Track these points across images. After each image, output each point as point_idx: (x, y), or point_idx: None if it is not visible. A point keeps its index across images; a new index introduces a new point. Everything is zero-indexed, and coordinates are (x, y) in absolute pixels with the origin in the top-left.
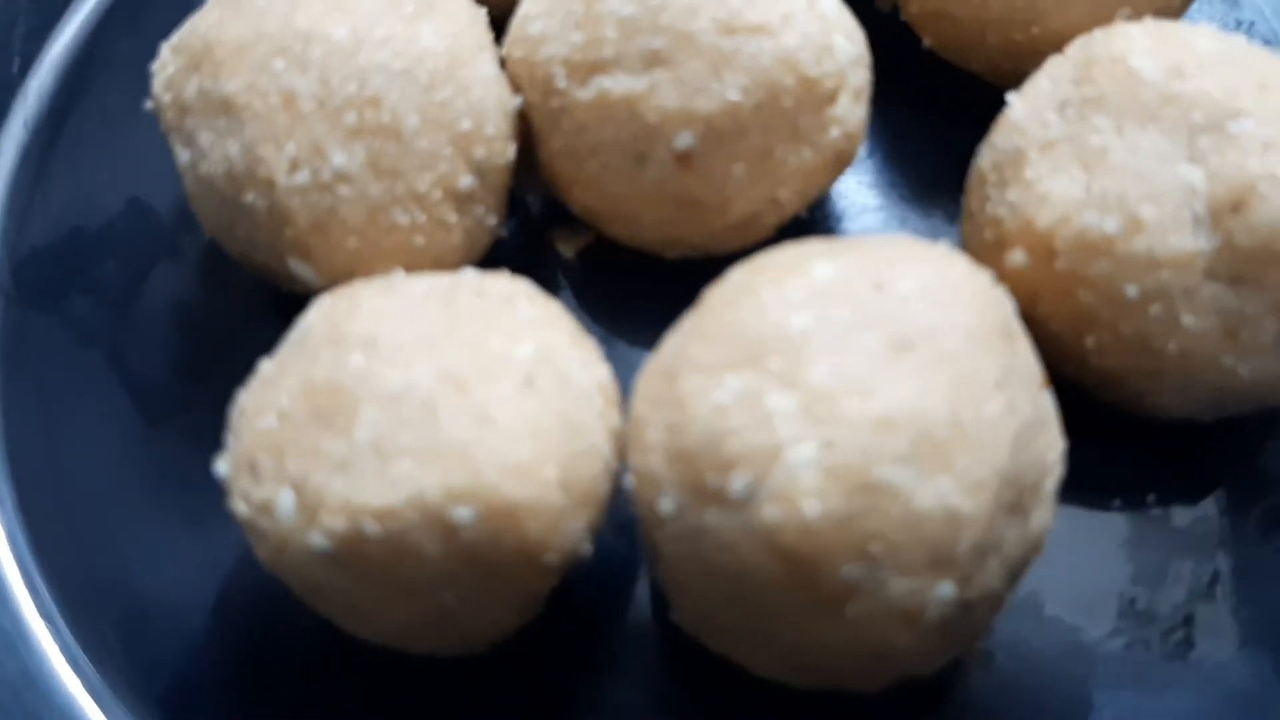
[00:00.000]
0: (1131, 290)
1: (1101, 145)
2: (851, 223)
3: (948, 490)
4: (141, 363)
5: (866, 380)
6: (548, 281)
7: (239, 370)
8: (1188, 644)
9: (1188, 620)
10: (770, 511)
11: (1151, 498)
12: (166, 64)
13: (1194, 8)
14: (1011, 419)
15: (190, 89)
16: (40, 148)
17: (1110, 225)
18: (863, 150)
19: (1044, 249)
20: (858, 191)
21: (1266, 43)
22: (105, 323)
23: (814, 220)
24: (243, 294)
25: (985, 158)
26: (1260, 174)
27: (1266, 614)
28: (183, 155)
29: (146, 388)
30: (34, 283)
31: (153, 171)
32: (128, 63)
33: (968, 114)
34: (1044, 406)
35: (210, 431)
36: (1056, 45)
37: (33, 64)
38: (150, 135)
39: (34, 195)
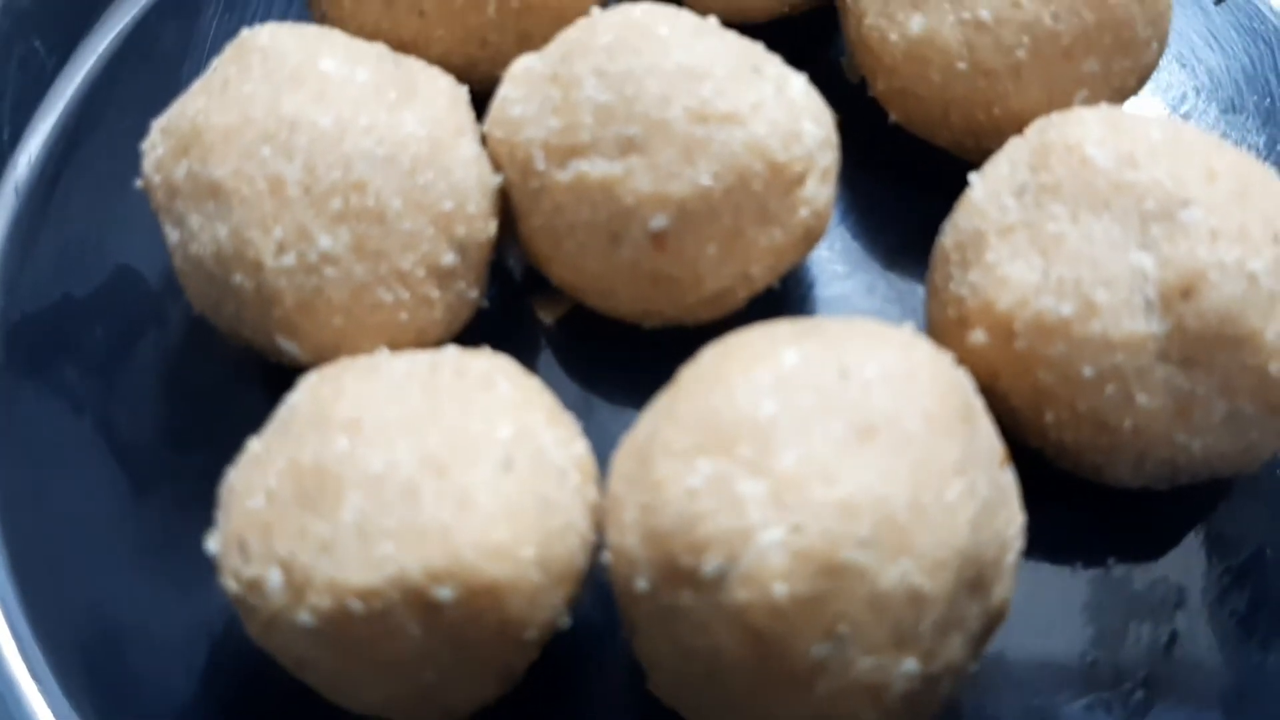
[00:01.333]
0: (1087, 370)
1: (1058, 232)
2: (823, 290)
3: (910, 571)
4: (129, 430)
5: (831, 466)
6: (528, 347)
7: (225, 438)
8: (1147, 704)
9: (1147, 681)
10: (741, 593)
11: (1111, 561)
12: (156, 145)
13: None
14: (970, 501)
15: (179, 172)
16: (30, 215)
17: (1066, 309)
18: (834, 219)
19: (1004, 330)
20: (828, 260)
21: (1226, 110)
22: (94, 390)
23: (786, 289)
24: (229, 362)
25: (949, 236)
26: (1209, 262)
27: (1223, 675)
28: (172, 235)
29: (134, 454)
30: (24, 350)
31: (141, 240)
32: (115, 132)
33: (934, 185)
34: (1004, 484)
35: (197, 498)
36: (1017, 124)
37: (22, 133)
38: (138, 204)
39: (24, 263)
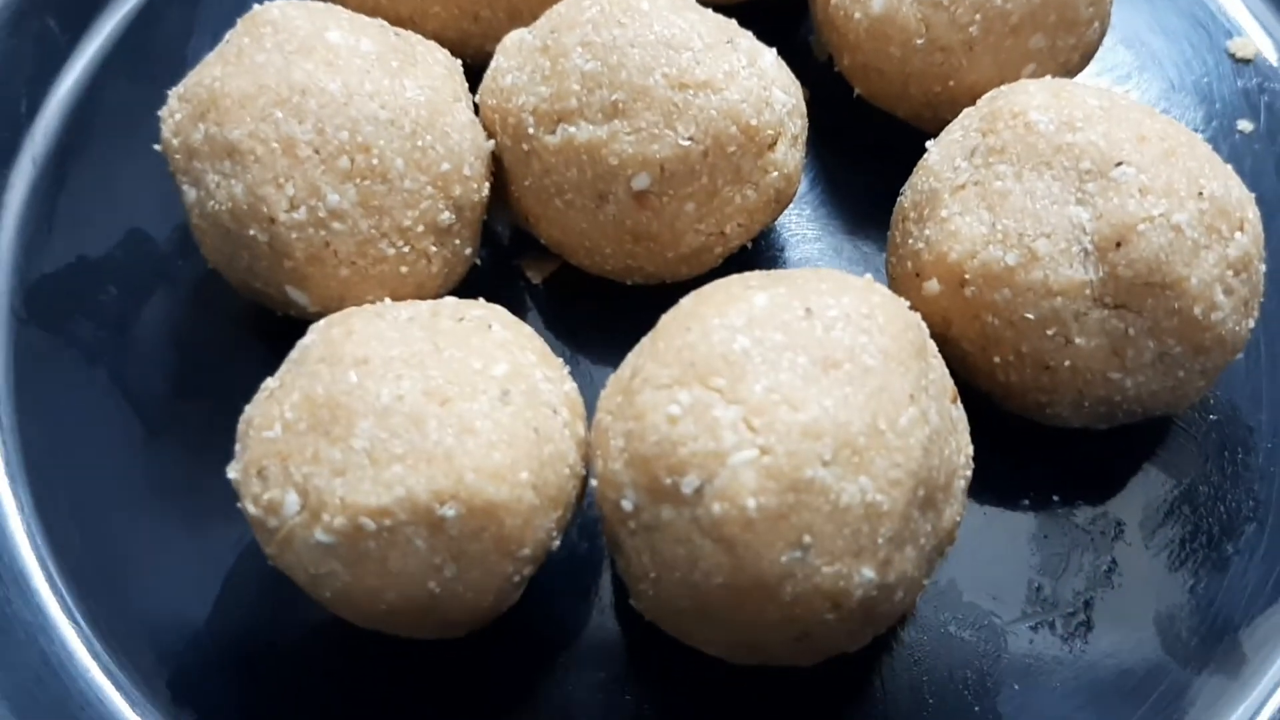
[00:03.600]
0: (1030, 315)
1: (1003, 189)
2: (793, 251)
3: (867, 487)
4: (141, 379)
5: (797, 394)
6: (518, 305)
7: (230, 387)
8: (1087, 626)
9: (1087, 605)
10: (716, 507)
11: (1056, 498)
12: (175, 111)
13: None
14: (922, 427)
15: (197, 135)
16: (47, 183)
17: (1010, 258)
18: (804, 186)
19: (955, 279)
20: (798, 223)
21: (1167, 88)
22: (107, 343)
23: (759, 250)
24: (232, 317)
25: (906, 197)
26: (1139, 215)
27: (1156, 599)
28: (190, 194)
29: (146, 402)
30: (43, 307)
31: (151, 204)
32: (127, 104)
33: (895, 154)
34: (954, 416)
35: (205, 441)
36: (971, 96)
37: (39, 106)
38: (148, 171)
39: (42, 227)
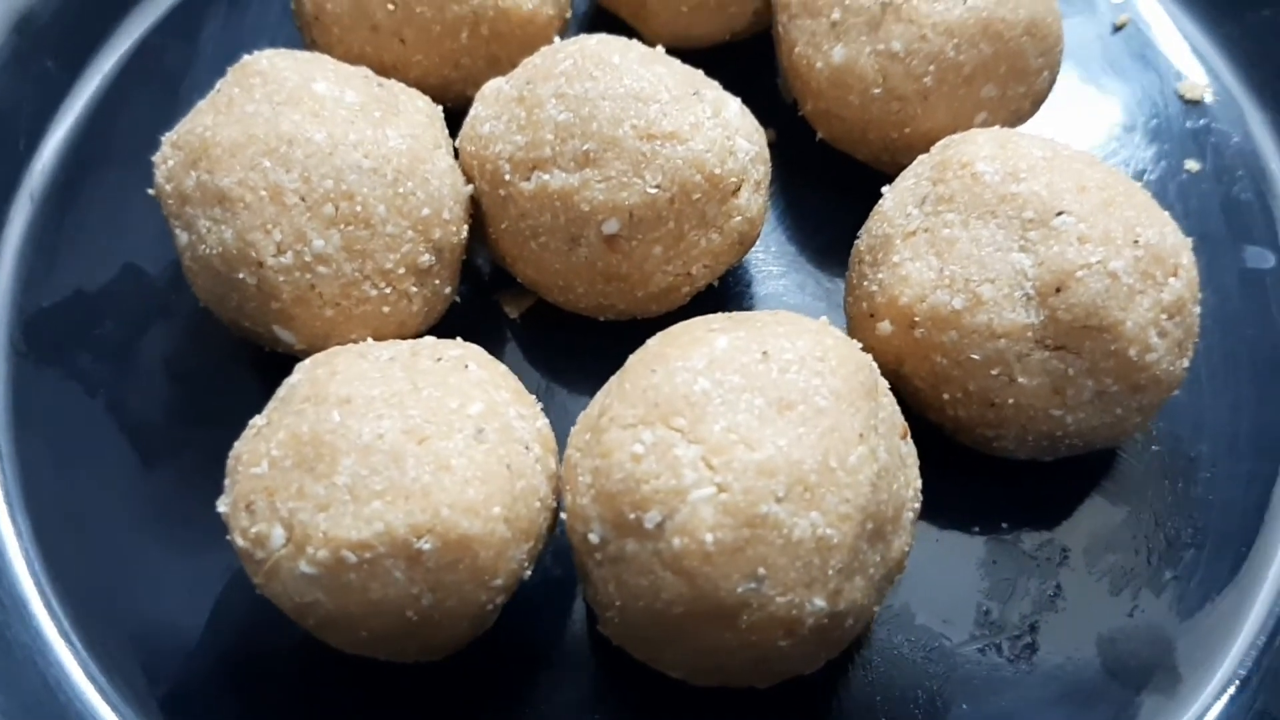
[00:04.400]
0: (976, 355)
1: (951, 236)
2: (759, 287)
3: (818, 522)
4: (138, 410)
5: (753, 434)
6: (495, 339)
7: (223, 417)
8: (1032, 648)
9: (1032, 628)
10: (677, 541)
11: (1005, 525)
12: (168, 157)
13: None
14: (871, 464)
15: (189, 181)
16: (45, 219)
17: (957, 302)
18: (770, 223)
19: (906, 321)
20: (764, 260)
21: (1120, 128)
22: (105, 375)
23: (726, 285)
24: (226, 351)
25: (863, 241)
26: (1078, 262)
27: (1098, 622)
28: (182, 237)
29: (142, 432)
30: (41, 340)
31: (146, 240)
32: (121, 142)
33: (856, 194)
34: (903, 453)
35: (200, 469)
36: (926, 142)
37: (37, 144)
38: (144, 208)
39: (40, 262)
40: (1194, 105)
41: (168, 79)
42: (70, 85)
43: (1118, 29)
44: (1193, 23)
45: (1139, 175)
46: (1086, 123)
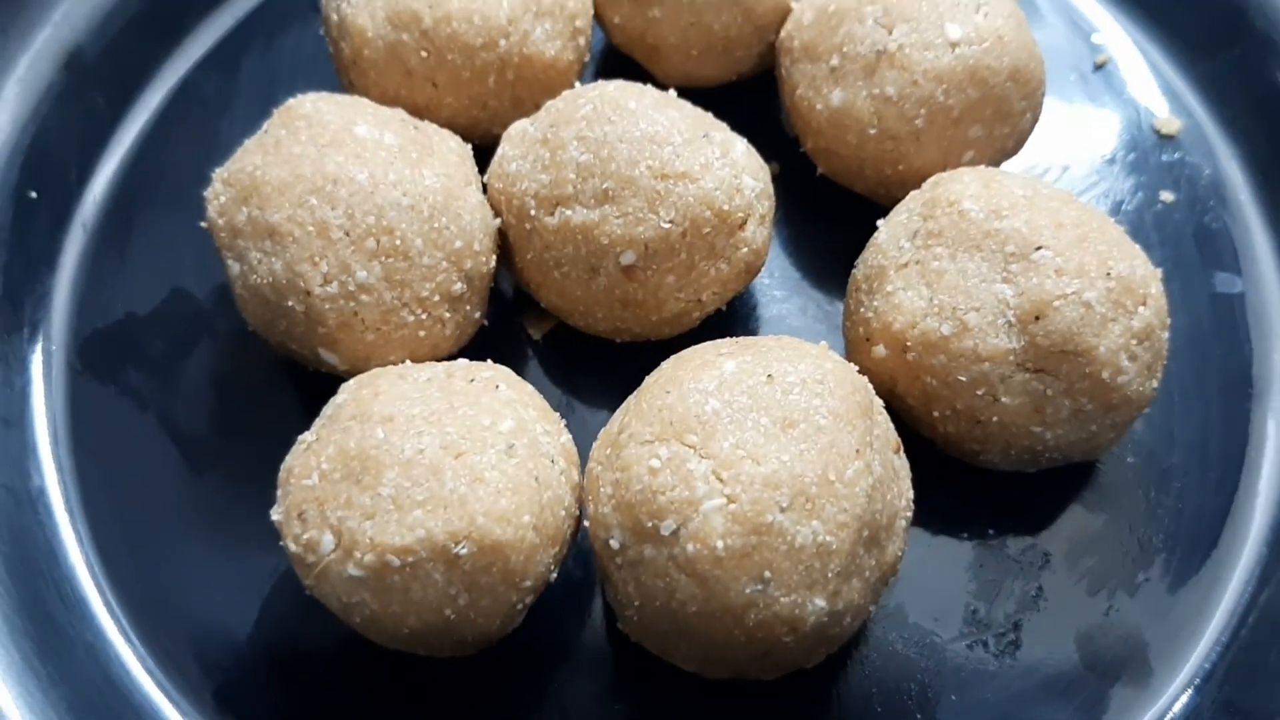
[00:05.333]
0: (963, 377)
1: (940, 268)
2: (764, 310)
3: (819, 530)
4: (185, 423)
5: (759, 450)
6: (520, 357)
7: (266, 430)
8: (1016, 644)
9: (1016, 626)
10: (691, 547)
11: (991, 532)
12: (219, 194)
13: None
14: (867, 477)
15: (240, 216)
16: (97, 247)
17: (946, 329)
18: (775, 250)
19: (899, 345)
20: (769, 286)
21: (1101, 161)
22: (155, 391)
23: (734, 308)
24: (267, 367)
25: (859, 270)
26: (1055, 293)
27: (1077, 620)
28: (234, 267)
29: (191, 444)
30: (95, 358)
31: (192, 264)
32: (168, 173)
33: (854, 225)
34: (896, 466)
35: (244, 479)
36: (918, 178)
37: (88, 175)
38: (189, 236)
39: (93, 286)
40: (1169, 139)
41: (208, 114)
42: (118, 120)
43: (1098, 68)
44: (1168, 62)
45: (1117, 205)
46: (1070, 156)
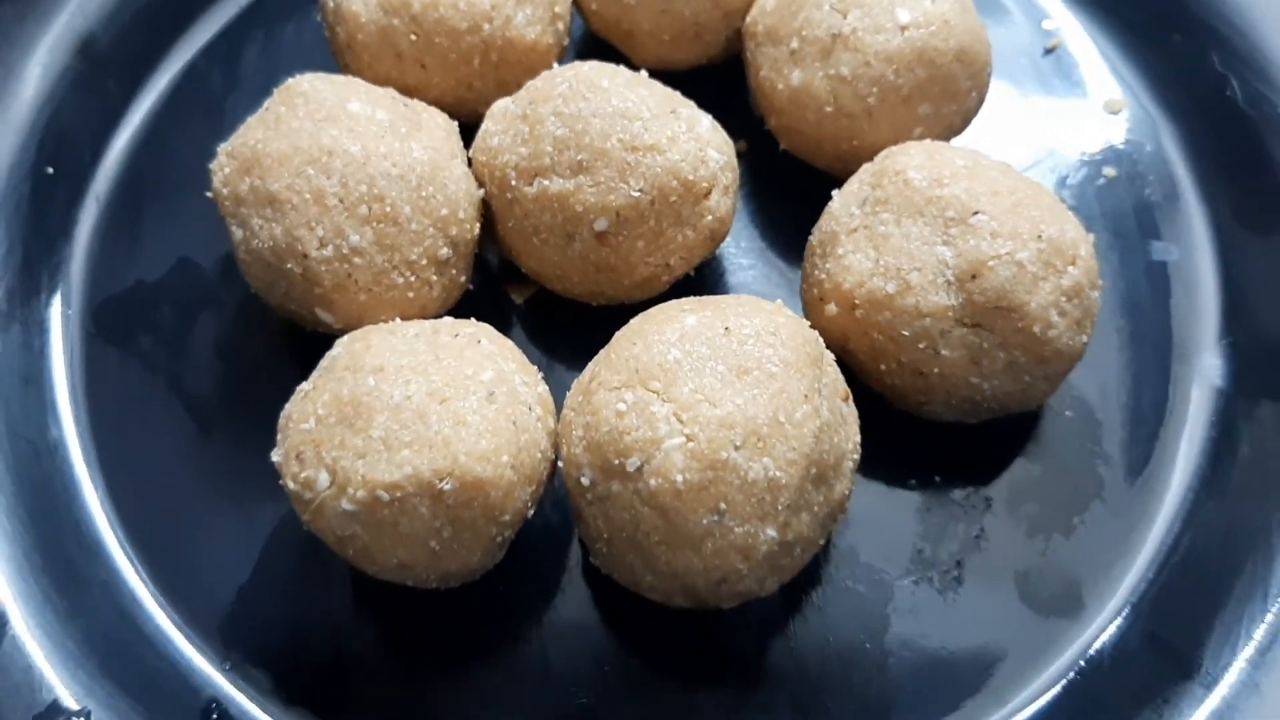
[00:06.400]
0: (906, 332)
1: (886, 232)
2: (731, 276)
3: (769, 466)
4: (193, 383)
5: (716, 394)
6: (503, 321)
7: (268, 389)
8: (959, 581)
9: (959, 564)
10: (653, 482)
11: (937, 478)
12: (224, 166)
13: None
14: (814, 420)
15: (243, 186)
16: (109, 219)
17: (890, 287)
18: (741, 221)
19: (848, 303)
20: (736, 254)
21: (1048, 141)
22: (164, 354)
23: (702, 275)
24: (269, 331)
25: (815, 236)
26: (990, 254)
27: (1015, 559)
28: (237, 233)
29: (197, 402)
30: (109, 324)
31: (198, 237)
32: (175, 150)
33: (814, 197)
34: (844, 412)
35: (248, 434)
36: (871, 152)
37: (101, 154)
38: (195, 209)
39: (105, 256)
40: (1113, 119)
41: (213, 96)
42: (128, 102)
43: (1049, 51)
44: (1113, 47)
45: (1063, 179)
46: (1020, 134)
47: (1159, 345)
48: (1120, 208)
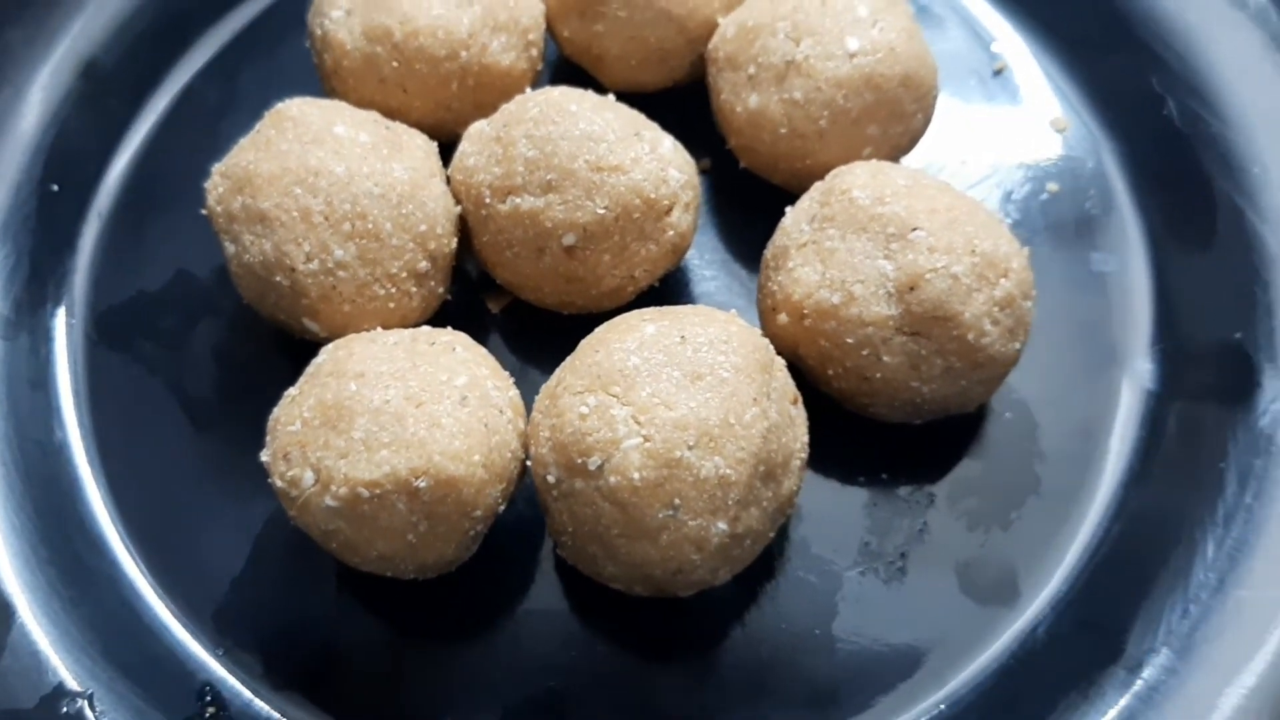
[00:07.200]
0: (850, 340)
1: (832, 247)
2: (695, 286)
3: (720, 465)
4: (190, 386)
5: (671, 398)
6: (480, 329)
7: (259, 392)
8: (903, 571)
9: (903, 556)
10: (613, 479)
11: (884, 476)
12: (217, 185)
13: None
14: (763, 421)
15: (236, 204)
16: (111, 232)
17: (836, 298)
18: (704, 234)
19: (798, 313)
20: (699, 265)
21: (996, 157)
22: (164, 359)
23: (667, 285)
24: (261, 338)
25: (769, 249)
26: (927, 267)
27: (958, 552)
28: (229, 248)
29: (195, 404)
30: (110, 331)
31: (194, 249)
32: (174, 167)
33: (773, 211)
34: (793, 414)
35: (240, 435)
36: (824, 170)
37: (103, 170)
38: (192, 223)
39: (108, 267)
40: (1056, 136)
41: (209, 116)
42: (129, 121)
43: (996, 73)
44: (1058, 69)
45: (1009, 194)
46: (969, 151)
47: (1095, 350)
48: (1062, 221)
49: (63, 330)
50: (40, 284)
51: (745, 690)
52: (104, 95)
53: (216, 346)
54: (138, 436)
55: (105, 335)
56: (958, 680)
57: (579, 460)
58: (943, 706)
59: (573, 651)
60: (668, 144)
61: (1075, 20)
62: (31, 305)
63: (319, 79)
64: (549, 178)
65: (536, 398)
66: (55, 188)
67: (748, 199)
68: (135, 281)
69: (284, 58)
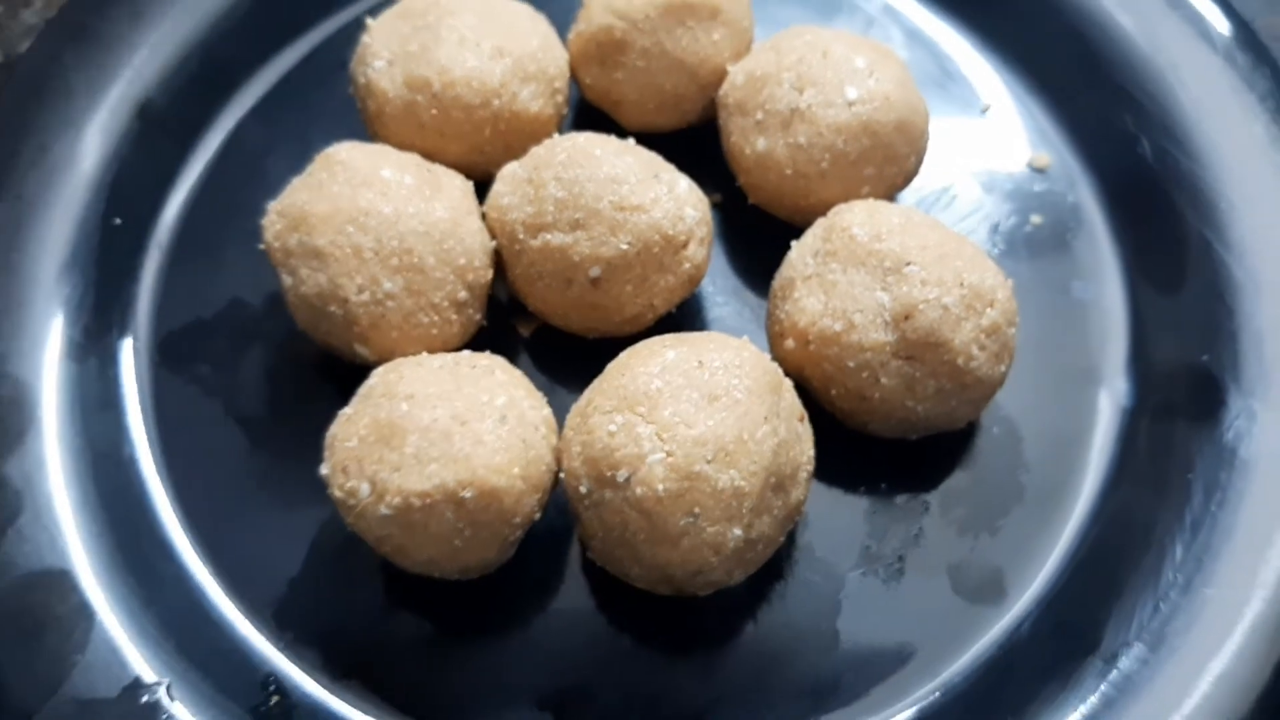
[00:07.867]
0: (850, 364)
1: (834, 279)
2: (708, 312)
3: (735, 477)
4: (245, 405)
5: (691, 417)
6: (512, 352)
7: (309, 412)
8: (900, 573)
9: (901, 559)
10: (639, 490)
11: (883, 486)
12: (275, 222)
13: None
14: (773, 438)
15: (292, 240)
16: (169, 263)
17: (837, 326)
18: (717, 264)
19: (803, 339)
20: (713, 293)
21: (985, 190)
22: (220, 381)
23: (683, 311)
24: (311, 362)
25: (776, 280)
26: (920, 298)
27: (949, 555)
28: (286, 280)
29: (249, 421)
30: (171, 354)
31: (247, 278)
32: (224, 203)
33: (779, 243)
34: (800, 431)
35: (294, 449)
36: (825, 207)
37: (160, 206)
38: (243, 254)
39: (168, 295)
40: (1039, 172)
41: (255, 155)
42: (183, 160)
43: (983, 112)
44: (1039, 108)
45: (995, 226)
46: (957, 186)
47: (1075, 371)
48: (1045, 250)
49: (129, 354)
50: (106, 312)
51: (756, 680)
52: (159, 134)
53: (269, 368)
54: (199, 450)
55: (166, 358)
56: (949, 671)
57: (608, 473)
58: (936, 695)
59: (598, 645)
60: (683, 184)
61: (1055, 64)
62: (99, 332)
63: (356, 119)
64: (577, 216)
65: (567, 417)
66: (117, 221)
67: (756, 231)
68: (192, 309)
69: (322, 100)
